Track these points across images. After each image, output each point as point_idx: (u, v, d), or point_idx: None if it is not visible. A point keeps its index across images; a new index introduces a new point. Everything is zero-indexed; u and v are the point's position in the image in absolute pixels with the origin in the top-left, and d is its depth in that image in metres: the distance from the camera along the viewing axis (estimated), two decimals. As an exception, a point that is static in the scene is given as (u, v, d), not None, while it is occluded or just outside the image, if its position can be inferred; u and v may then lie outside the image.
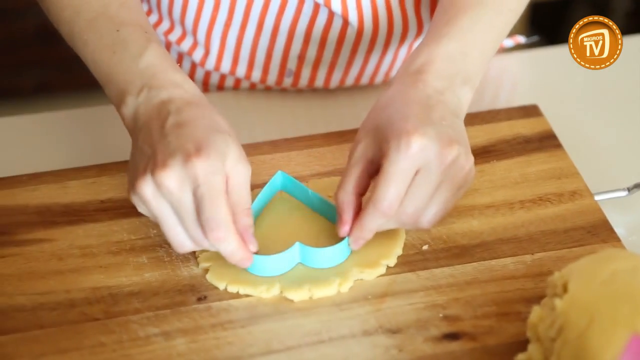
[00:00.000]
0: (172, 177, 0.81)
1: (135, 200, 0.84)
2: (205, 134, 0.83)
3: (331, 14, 1.04)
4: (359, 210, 0.86)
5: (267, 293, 0.85)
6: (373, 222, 0.84)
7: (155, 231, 0.90)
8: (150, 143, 0.84)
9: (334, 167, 0.97)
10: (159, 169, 0.81)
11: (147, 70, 0.87)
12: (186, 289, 0.86)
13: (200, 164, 0.81)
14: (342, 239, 0.87)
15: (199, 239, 0.83)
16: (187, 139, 0.82)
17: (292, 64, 1.09)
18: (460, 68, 0.88)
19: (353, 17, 1.04)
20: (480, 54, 0.91)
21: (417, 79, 0.87)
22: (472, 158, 0.85)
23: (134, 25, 0.90)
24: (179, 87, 0.87)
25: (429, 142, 0.82)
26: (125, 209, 0.93)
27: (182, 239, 0.83)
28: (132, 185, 0.83)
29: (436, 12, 0.93)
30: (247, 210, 0.84)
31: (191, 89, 0.87)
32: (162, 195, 0.82)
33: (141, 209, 0.84)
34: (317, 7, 1.04)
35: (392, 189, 0.82)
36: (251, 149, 0.99)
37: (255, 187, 0.94)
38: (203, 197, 0.81)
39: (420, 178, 0.83)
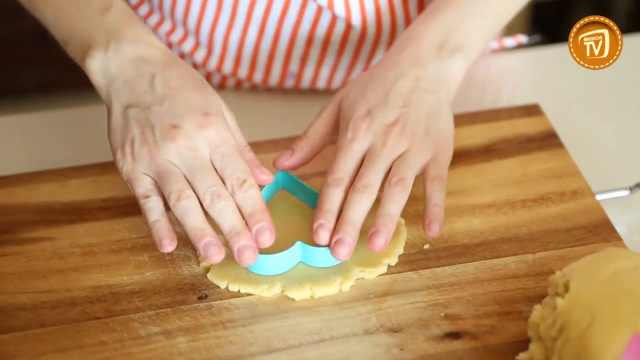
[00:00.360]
0: (188, 140, 0.85)
1: (137, 171, 0.85)
2: (204, 97, 0.87)
3: (334, 17, 1.04)
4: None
5: (268, 292, 0.85)
6: (329, 194, 0.86)
7: (156, 230, 0.90)
8: (144, 105, 0.87)
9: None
10: (173, 132, 0.85)
11: (114, 23, 0.89)
12: (187, 288, 0.86)
13: (212, 128, 0.85)
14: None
15: (216, 194, 0.83)
16: (190, 103, 0.86)
17: (294, 66, 1.09)
18: (449, 38, 0.92)
19: (357, 20, 1.04)
20: (476, 27, 0.93)
21: (399, 53, 0.91)
22: (419, 138, 0.88)
23: None
24: (149, 43, 0.89)
25: (371, 130, 0.88)
26: (126, 208, 0.93)
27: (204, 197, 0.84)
28: (145, 153, 0.85)
29: None
30: (248, 147, 0.89)
31: (161, 45, 0.90)
32: (179, 158, 0.84)
33: (145, 182, 0.85)
34: (319, 10, 1.04)
35: (338, 165, 0.87)
36: (252, 148, 0.98)
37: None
38: (224, 156, 0.85)
39: (366, 158, 0.87)
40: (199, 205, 0.84)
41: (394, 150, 0.87)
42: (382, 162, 0.87)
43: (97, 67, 0.88)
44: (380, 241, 0.84)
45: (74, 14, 0.90)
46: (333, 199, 0.86)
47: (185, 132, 0.85)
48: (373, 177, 0.86)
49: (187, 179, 0.85)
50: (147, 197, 0.85)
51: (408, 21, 1.06)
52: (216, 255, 0.83)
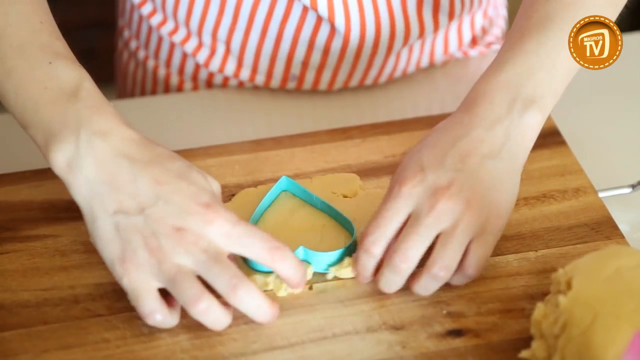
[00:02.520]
0: (203, 239, 0.79)
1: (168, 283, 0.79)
2: (193, 184, 0.80)
3: (333, 28, 1.04)
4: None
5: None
6: (364, 263, 0.83)
7: (159, 227, 0.90)
8: (135, 210, 0.79)
9: (337, 163, 0.97)
10: (183, 236, 0.78)
11: (84, 111, 0.80)
12: (190, 285, 0.86)
13: (218, 219, 0.79)
14: (347, 240, 0.87)
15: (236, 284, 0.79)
16: (184, 199, 0.79)
17: (295, 69, 1.09)
18: (521, 91, 0.84)
19: (355, 33, 1.04)
20: (548, 74, 0.85)
21: (464, 114, 0.84)
22: (475, 207, 0.81)
23: (68, 58, 0.84)
24: (122, 135, 0.81)
25: (419, 189, 0.81)
26: (129, 205, 0.93)
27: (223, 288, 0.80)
28: (153, 262, 0.79)
29: (505, 38, 0.90)
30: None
31: (134, 134, 0.82)
32: (198, 260, 0.79)
33: (150, 298, 0.79)
34: (319, 20, 1.04)
35: (378, 227, 0.82)
36: (254, 146, 0.99)
37: (259, 184, 0.95)
38: (241, 237, 0.80)
39: (409, 222, 0.82)
40: (217, 302, 0.79)
41: (441, 219, 0.80)
42: (426, 233, 0.80)
43: (64, 160, 0.80)
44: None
45: (40, 95, 0.81)
46: (368, 267, 0.83)
47: (193, 233, 0.78)
48: (413, 252, 0.80)
49: (200, 275, 0.79)
50: (152, 314, 0.80)
51: (407, 23, 1.05)
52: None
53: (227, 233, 0.79)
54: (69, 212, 0.92)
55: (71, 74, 0.82)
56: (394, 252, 0.81)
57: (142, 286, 0.79)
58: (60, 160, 0.81)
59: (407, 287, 0.84)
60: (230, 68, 1.10)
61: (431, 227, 0.80)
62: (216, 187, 0.84)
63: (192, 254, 0.78)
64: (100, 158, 0.80)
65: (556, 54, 0.86)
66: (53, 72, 0.82)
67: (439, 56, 1.13)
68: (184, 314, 0.83)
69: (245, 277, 0.79)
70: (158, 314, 0.80)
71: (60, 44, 0.84)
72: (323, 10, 1.02)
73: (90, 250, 0.89)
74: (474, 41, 1.15)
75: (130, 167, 0.80)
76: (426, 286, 0.82)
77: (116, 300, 0.84)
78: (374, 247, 0.82)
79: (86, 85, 0.82)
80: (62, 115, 0.80)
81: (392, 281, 0.82)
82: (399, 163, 0.86)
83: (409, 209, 0.82)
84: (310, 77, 1.09)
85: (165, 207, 0.79)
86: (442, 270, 0.80)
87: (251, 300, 0.79)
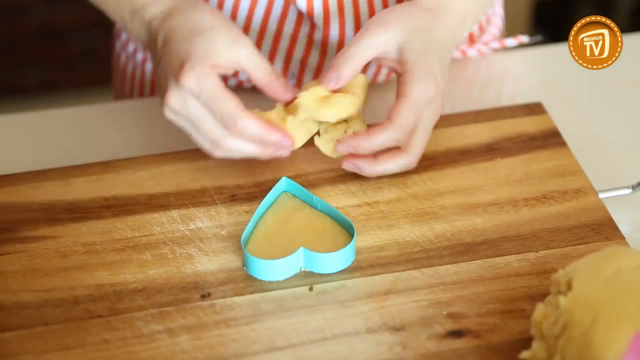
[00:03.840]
0: (175, 99, 0.86)
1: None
2: (186, 44, 0.87)
3: (326, 34, 1.04)
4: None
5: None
6: (383, 134, 0.88)
7: (159, 228, 0.91)
8: (155, 69, 0.89)
9: (338, 164, 0.97)
10: (166, 95, 0.86)
11: None
12: (190, 286, 0.86)
13: (188, 78, 0.85)
14: (347, 241, 0.87)
15: (221, 139, 0.87)
16: (172, 58, 0.87)
17: (294, 68, 1.09)
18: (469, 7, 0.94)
19: (350, 35, 1.04)
20: None
21: (436, 17, 0.92)
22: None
23: None
24: (155, 1, 0.91)
25: (438, 88, 0.89)
26: (129, 206, 0.93)
27: (208, 147, 0.89)
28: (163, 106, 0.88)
29: None
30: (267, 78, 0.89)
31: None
32: (176, 115, 0.88)
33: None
34: (313, 26, 1.04)
35: (410, 114, 0.88)
36: (255, 147, 0.99)
37: (259, 184, 0.95)
38: (207, 103, 0.86)
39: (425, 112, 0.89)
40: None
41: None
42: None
43: (140, 24, 0.92)
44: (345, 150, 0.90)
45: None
46: (380, 142, 0.88)
47: (171, 93, 0.87)
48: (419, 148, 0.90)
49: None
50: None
51: None
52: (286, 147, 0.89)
53: (195, 94, 0.86)
54: (69, 213, 0.92)
55: None
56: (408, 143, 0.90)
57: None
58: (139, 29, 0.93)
59: (407, 289, 0.84)
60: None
61: (432, 114, 0.91)
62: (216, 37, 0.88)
63: (177, 113, 0.88)
64: (142, 35, 0.92)
65: None
66: None
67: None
68: (184, 313, 0.83)
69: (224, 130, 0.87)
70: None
71: None
72: (318, 19, 1.03)
73: (90, 252, 0.89)
74: (471, 39, 1.15)
75: (155, 25, 0.90)
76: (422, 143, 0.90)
77: (116, 302, 0.84)
78: (402, 130, 0.88)
79: None
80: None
81: (386, 163, 0.91)
82: (399, 51, 0.90)
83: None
84: (309, 76, 1.09)
85: (162, 67, 0.89)
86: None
87: (237, 149, 0.88)
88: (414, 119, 0.88)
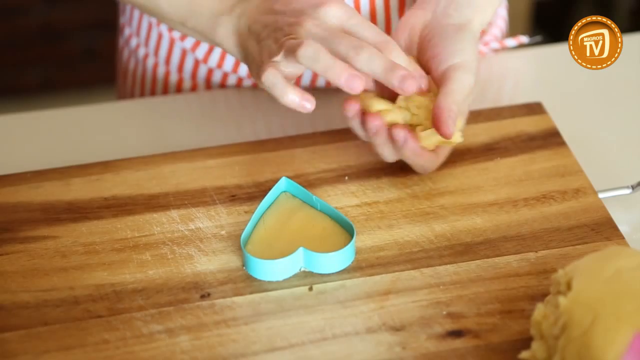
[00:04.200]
0: (319, 19, 0.86)
1: (301, 55, 0.85)
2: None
3: None
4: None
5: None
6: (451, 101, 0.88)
7: (158, 228, 0.91)
8: (274, 21, 0.88)
9: (337, 164, 0.97)
10: (303, 19, 0.85)
11: None
12: (190, 286, 0.86)
13: (336, 6, 0.86)
14: (347, 241, 0.87)
15: (359, 46, 0.84)
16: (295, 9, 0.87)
17: None
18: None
19: None
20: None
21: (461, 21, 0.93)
22: None
23: None
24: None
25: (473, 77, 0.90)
26: (129, 207, 0.93)
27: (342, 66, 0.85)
28: (284, 48, 0.85)
29: None
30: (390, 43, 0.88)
31: None
32: (316, 31, 0.85)
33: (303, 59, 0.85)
34: None
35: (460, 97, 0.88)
36: (254, 147, 0.99)
37: (259, 184, 0.95)
38: (357, 25, 0.86)
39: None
40: (324, 50, 0.84)
41: None
42: None
43: (227, 31, 0.92)
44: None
45: None
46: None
47: (309, 16, 0.86)
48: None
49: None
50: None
51: (388, 24, 1.05)
52: (359, 82, 0.84)
53: (340, 19, 0.86)
54: (68, 213, 0.92)
55: None
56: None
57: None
58: (224, 34, 0.92)
59: (407, 289, 0.84)
60: (229, 64, 1.10)
61: None
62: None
63: (310, 31, 0.85)
64: (250, 12, 0.90)
65: None
66: None
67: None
68: (184, 313, 0.83)
69: (367, 44, 0.85)
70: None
71: None
72: None
73: (89, 252, 0.89)
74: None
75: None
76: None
77: (116, 302, 0.84)
78: (456, 105, 0.88)
79: None
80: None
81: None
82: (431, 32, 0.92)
83: None
84: (308, 73, 1.09)
85: (292, 9, 0.89)
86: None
87: (373, 60, 0.84)
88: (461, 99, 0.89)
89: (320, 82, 1.11)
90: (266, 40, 0.88)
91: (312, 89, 1.11)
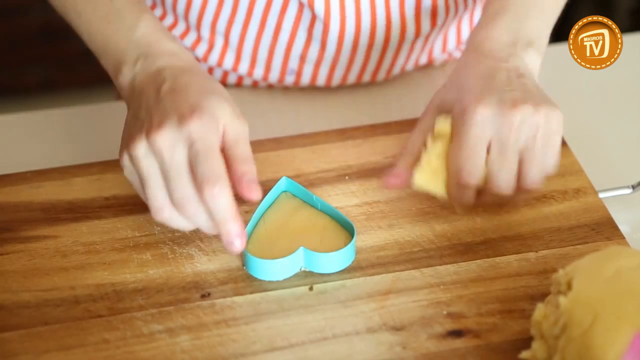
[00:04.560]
0: (166, 136, 0.82)
1: (125, 161, 0.84)
2: (199, 96, 0.84)
3: (327, 25, 1.04)
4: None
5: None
6: (463, 194, 0.86)
7: (159, 228, 0.91)
8: (147, 108, 0.85)
9: (337, 164, 0.97)
10: (154, 129, 0.82)
11: (143, 39, 0.89)
12: (190, 286, 0.86)
13: (194, 123, 0.82)
14: (348, 241, 0.87)
15: (186, 199, 0.81)
16: (181, 102, 0.83)
17: (293, 63, 1.09)
18: (520, 35, 0.91)
19: (350, 31, 1.04)
20: (538, 22, 0.93)
21: (478, 53, 0.90)
22: (544, 109, 0.85)
23: None
24: (174, 55, 0.89)
25: (491, 110, 0.84)
26: (130, 206, 0.93)
27: (161, 203, 0.82)
28: (125, 146, 0.84)
29: None
30: (247, 159, 0.84)
31: (186, 57, 0.89)
32: (154, 155, 0.82)
33: (127, 171, 0.84)
34: (314, 18, 1.04)
35: (466, 158, 0.84)
36: (254, 146, 0.98)
37: (260, 184, 0.94)
38: (198, 153, 0.81)
39: (494, 147, 0.85)
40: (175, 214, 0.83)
41: (522, 131, 0.85)
42: (514, 150, 0.85)
43: (126, 81, 0.89)
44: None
45: (105, 29, 0.91)
46: (468, 198, 0.86)
47: (164, 130, 0.82)
48: (511, 175, 0.85)
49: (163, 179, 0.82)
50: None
51: (403, 23, 1.05)
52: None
53: (190, 140, 0.82)
54: (69, 212, 0.92)
55: (130, 9, 0.91)
56: (495, 180, 0.85)
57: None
58: (123, 84, 0.89)
59: (407, 289, 0.84)
60: (228, 62, 1.10)
61: (516, 143, 0.84)
62: (225, 106, 0.85)
63: (156, 151, 0.82)
64: (148, 73, 0.88)
65: (542, 5, 0.95)
66: (113, 9, 0.91)
67: (437, 54, 1.14)
68: (184, 313, 0.83)
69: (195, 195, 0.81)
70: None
71: None
72: (320, 10, 1.03)
73: (90, 251, 0.89)
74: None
75: (163, 77, 0.87)
76: (535, 173, 0.86)
77: (116, 301, 0.84)
78: (472, 179, 0.85)
79: (145, 17, 0.91)
80: (125, 44, 0.90)
81: (493, 203, 0.88)
82: (437, 108, 0.89)
83: (490, 133, 0.85)
84: (308, 71, 1.09)
85: (163, 106, 0.84)
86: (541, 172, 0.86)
87: (198, 218, 0.82)
88: (475, 161, 0.85)
89: (320, 82, 1.11)
90: (137, 120, 0.85)
91: (311, 87, 1.11)
